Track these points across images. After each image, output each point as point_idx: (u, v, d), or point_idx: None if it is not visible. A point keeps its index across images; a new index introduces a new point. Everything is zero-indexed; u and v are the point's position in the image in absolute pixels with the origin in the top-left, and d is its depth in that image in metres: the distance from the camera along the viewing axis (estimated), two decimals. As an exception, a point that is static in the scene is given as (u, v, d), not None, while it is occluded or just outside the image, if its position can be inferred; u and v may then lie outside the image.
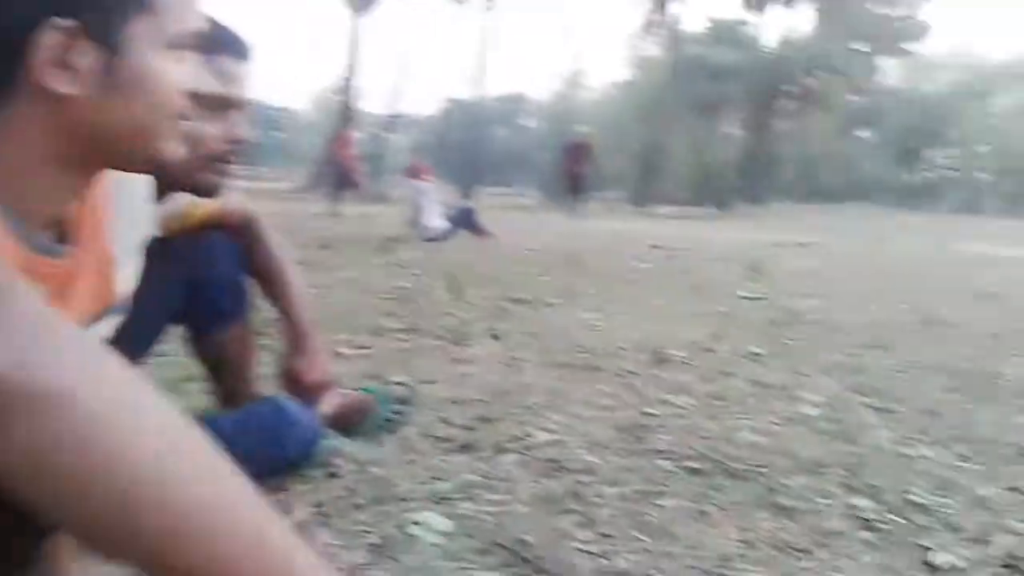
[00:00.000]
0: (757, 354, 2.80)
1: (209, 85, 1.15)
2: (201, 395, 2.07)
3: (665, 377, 2.45)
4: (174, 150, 0.74)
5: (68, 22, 0.62)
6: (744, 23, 36.09)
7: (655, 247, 7.61)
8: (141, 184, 1.00)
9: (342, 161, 11.28)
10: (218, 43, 1.18)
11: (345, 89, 25.48)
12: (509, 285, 4.42)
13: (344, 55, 25.20)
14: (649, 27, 33.82)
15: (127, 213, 0.99)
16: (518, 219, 14.04)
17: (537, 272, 5.15)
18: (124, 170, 0.78)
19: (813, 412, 2.13)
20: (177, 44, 0.70)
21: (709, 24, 37.09)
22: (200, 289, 1.48)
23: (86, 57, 0.64)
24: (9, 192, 0.65)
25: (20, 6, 0.62)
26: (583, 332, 3.12)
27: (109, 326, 0.91)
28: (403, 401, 1.84)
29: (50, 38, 0.62)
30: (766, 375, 2.50)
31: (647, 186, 28.76)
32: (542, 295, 4.04)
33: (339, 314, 3.25)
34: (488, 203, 19.64)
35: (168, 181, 1.15)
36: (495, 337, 2.94)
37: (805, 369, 2.62)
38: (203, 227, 1.41)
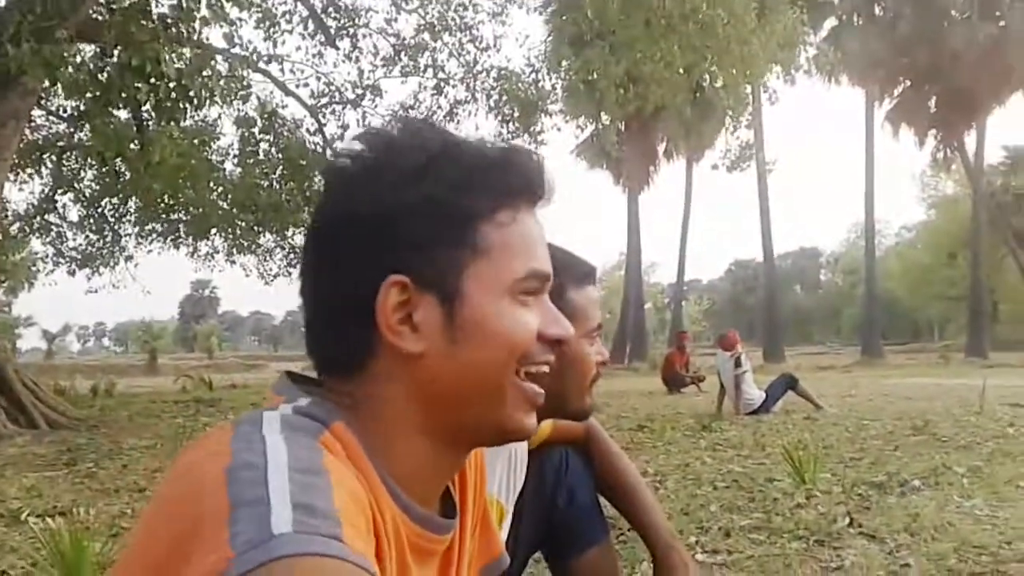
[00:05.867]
0: None
1: (595, 316, 1.15)
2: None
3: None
4: (521, 415, 0.65)
5: (405, 277, 0.59)
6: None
7: (1017, 405, 6.52)
8: None
9: (679, 366, 11.22)
10: (582, 273, 1.18)
11: (632, 265, 26.25)
12: (858, 464, 3.95)
13: (623, 232, 26.11)
14: (941, 163, 31.37)
15: (506, 457, 0.95)
16: (833, 379, 12.99)
17: (884, 445, 4.58)
18: (485, 443, 0.70)
19: None
20: (521, 288, 0.63)
21: (1005, 153, 33.76)
22: (560, 515, 1.43)
23: (428, 311, 0.60)
24: (387, 462, 0.61)
25: (362, 266, 0.60)
26: (971, 526, 2.62)
27: None
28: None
29: (392, 296, 0.59)
30: None
31: (978, 332, 25.48)
32: (902, 475, 3.53)
33: (679, 510, 3.06)
34: (796, 364, 18.65)
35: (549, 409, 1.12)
36: (868, 536, 2.56)
37: None
38: (546, 444, 1.37)
